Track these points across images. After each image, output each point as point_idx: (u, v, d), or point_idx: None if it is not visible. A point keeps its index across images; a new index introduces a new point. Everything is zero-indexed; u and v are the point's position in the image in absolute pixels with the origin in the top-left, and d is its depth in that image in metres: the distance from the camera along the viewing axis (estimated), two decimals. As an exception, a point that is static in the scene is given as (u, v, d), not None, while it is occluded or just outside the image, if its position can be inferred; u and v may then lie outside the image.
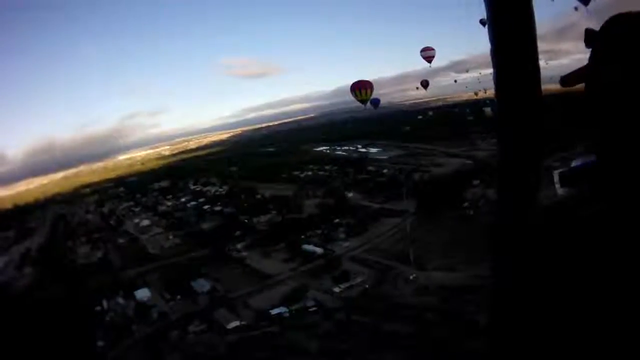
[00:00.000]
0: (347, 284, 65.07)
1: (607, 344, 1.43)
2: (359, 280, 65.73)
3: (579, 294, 1.58)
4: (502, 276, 2.11)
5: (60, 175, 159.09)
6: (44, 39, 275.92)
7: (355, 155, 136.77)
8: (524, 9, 2.29)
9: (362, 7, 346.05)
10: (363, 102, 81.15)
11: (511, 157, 2.48)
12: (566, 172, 2.30)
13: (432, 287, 58.42)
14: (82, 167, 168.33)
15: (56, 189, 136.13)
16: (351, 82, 77.86)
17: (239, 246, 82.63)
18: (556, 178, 2.33)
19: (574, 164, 2.32)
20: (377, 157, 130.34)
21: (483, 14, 2.51)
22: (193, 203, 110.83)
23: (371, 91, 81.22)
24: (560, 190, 2.29)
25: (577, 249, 1.60)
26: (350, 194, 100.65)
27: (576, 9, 63.86)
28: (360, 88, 79.84)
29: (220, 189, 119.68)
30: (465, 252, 64.66)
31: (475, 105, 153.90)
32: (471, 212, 79.11)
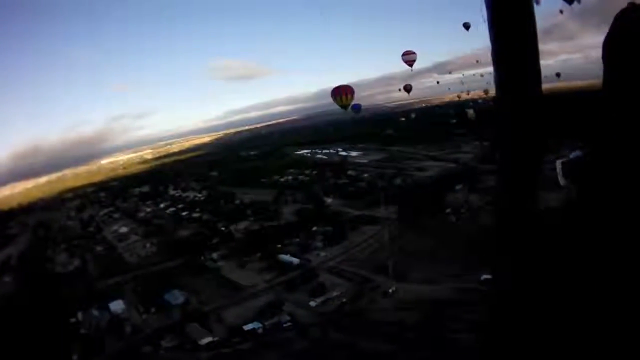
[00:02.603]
0: (323, 298, 62.51)
1: (606, 343, 1.49)
2: (335, 293, 63.06)
3: (578, 294, 1.66)
4: (502, 277, 2.20)
5: (44, 179, 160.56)
6: (29, 41, 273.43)
7: (336, 158, 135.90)
8: (524, 10, 2.29)
9: (346, 9, 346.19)
10: (344, 107, 79.85)
11: (511, 156, 2.41)
12: (569, 162, 2.42)
13: (412, 302, 55.89)
14: (66, 171, 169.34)
15: (39, 194, 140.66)
16: (334, 85, 76.61)
17: (214, 255, 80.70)
18: (559, 168, 2.47)
19: (573, 155, 2.42)
20: (358, 160, 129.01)
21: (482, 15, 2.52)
22: (172, 209, 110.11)
23: (352, 96, 79.92)
24: (562, 180, 2.44)
25: (576, 250, 1.71)
26: (329, 200, 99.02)
27: (561, 11, 63.61)
28: (341, 93, 78.41)
29: (200, 195, 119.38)
30: (447, 262, 62.76)
31: (458, 107, 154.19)
32: (453, 219, 77.01)
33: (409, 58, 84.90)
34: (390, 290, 60.50)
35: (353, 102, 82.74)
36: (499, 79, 2.38)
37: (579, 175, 2.09)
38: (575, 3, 58.44)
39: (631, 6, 1.80)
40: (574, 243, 1.66)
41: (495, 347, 2.02)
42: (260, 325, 58.01)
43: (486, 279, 53.77)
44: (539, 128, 2.30)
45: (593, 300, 1.57)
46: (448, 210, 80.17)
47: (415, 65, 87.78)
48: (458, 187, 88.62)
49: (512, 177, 2.42)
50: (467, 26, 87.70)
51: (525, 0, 2.34)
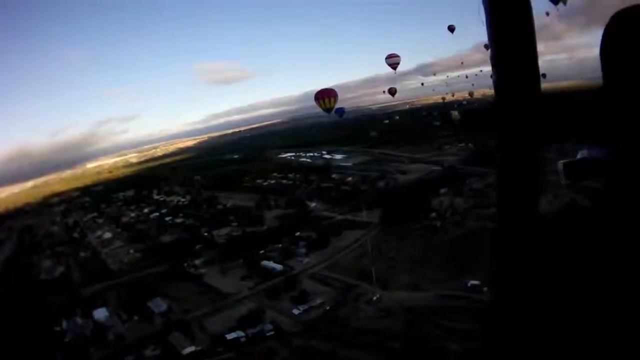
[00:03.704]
0: (306, 306, 61.78)
1: (606, 345, 1.44)
2: (318, 301, 62.27)
3: (578, 297, 1.63)
4: (501, 279, 2.11)
5: (30, 183, 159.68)
6: (11, 43, 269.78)
7: (319, 162, 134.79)
8: (523, 11, 2.35)
9: (330, 11, 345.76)
10: (327, 110, 79.50)
11: (512, 158, 2.47)
12: (571, 163, 2.13)
13: (396, 309, 55.17)
14: (52, 176, 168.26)
15: (26, 199, 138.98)
16: (319, 87, 76.46)
17: (197, 262, 79.81)
18: (560, 168, 2.14)
19: (580, 155, 2.13)
20: (342, 163, 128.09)
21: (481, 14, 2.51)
22: (155, 214, 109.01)
23: (335, 100, 79.65)
24: (564, 181, 2.13)
25: (577, 252, 1.66)
26: (313, 204, 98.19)
27: (547, 14, 63.60)
28: (324, 97, 78.16)
29: (183, 199, 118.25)
30: (432, 268, 62.28)
31: (442, 109, 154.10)
32: (438, 224, 76.15)
33: (392, 61, 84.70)
34: (374, 298, 59.76)
35: (336, 106, 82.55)
36: (498, 81, 2.40)
37: (583, 176, 1.88)
38: (561, 4, 58.48)
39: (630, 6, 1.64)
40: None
41: (495, 348, 1.91)
42: (243, 334, 57.27)
43: (473, 285, 53.33)
44: (539, 129, 2.34)
45: (595, 302, 1.45)
46: (433, 215, 79.13)
47: (400, 67, 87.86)
48: (443, 190, 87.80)
49: (513, 179, 2.45)
50: (452, 29, 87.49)
51: (524, 2, 2.33)
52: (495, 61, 2.44)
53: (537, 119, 2.35)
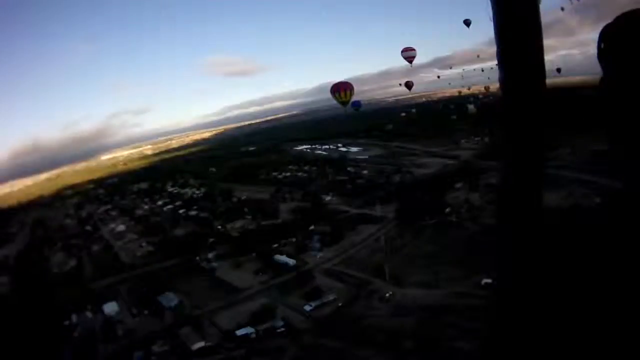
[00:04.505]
0: (318, 302, 60.92)
1: (608, 345, 1.50)
2: (331, 297, 61.57)
3: (581, 296, 1.67)
4: (505, 277, 2.13)
5: (44, 176, 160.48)
6: (26, 40, 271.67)
7: (335, 155, 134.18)
8: (530, 8, 2.27)
9: (345, 4, 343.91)
10: (343, 104, 79.14)
11: (516, 155, 2.36)
12: None
13: (409, 307, 54.37)
14: (65, 168, 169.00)
15: (39, 191, 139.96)
16: (334, 79, 76.35)
17: (210, 256, 79.38)
18: None
19: None
20: (358, 156, 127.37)
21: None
22: (169, 207, 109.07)
23: (351, 93, 79.34)
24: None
25: (581, 252, 1.70)
26: (328, 198, 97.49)
27: (562, 9, 62.67)
28: (340, 90, 77.94)
29: (198, 192, 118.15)
30: (447, 265, 61.27)
31: (459, 103, 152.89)
32: (454, 219, 75.01)
33: (408, 54, 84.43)
34: (387, 295, 58.99)
35: (353, 99, 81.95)
36: (504, 77, 2.34)
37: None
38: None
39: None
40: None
41: (498, 352, 1.94)
42: (253, 330, 56.82)
43: (487, 283, 52.46)
44: (543, 126, 2.33)
45: (598, 303, 1.48)
46: (448, 210, 78.10)
47: (416, 60, 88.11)
48: (458, 185, 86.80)
49: (517, 176, 2.41)
50: (467, 23, 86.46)
51: None
52: (501, 58, 2.31)
53: (542, 117, 2.24)
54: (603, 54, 1.73)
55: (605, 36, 1.70)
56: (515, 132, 2.31)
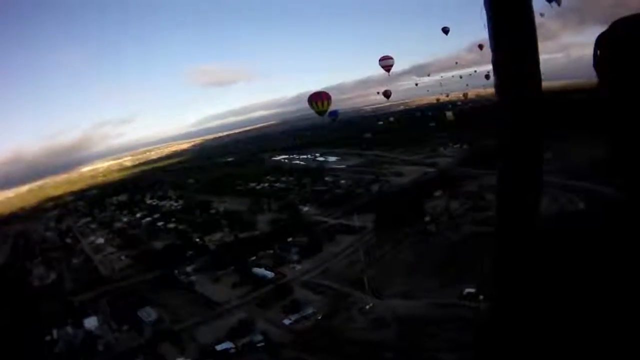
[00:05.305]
0: (297, 315, 60.41)
1: (607, 347, 1.46)
2: (310, 311, 61.00)
3: (580, 299, 1.68)
4: (503, 282, 2.15)
5: (26, 188, 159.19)
6: (7, 49, 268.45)
7: (313, 164, 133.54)
8: (524, 15, 2.39)
9: (324, 12, 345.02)
10: (321, 113, 78.88)
11: (513, 161, 2.52)
12: None
13: (389, 319, 53.84)
14: (47, 180, 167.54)
15: (21, 203, 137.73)
16: (313, 88, 76.53)
17: (188, 269, 78.74)
18: None
19: None
20: (336, 166, 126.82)
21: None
22: (148, 219, 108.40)
23: (329, 103, 79.28)
24: None
25: (578, 255, 1.65)
26: (306, 208, 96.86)
27: (542, 14, 63.11)
28: (318, 99, 77.73)
29: (176, 204, 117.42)
30: (426, 275, 60.90)
31: (437, 110, 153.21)
32: (433, 228, 74.63)
33: (386, 63, 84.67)
34: (367, 307, 58.51)
35: (330, 109, 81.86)
36: (500, 84, 2.45)
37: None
38: (555, 4, 57.95)
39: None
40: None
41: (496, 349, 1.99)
42: (232, 345, 56.27)
43: (469, 293, 52.18)
44: (540, 130, 2.37)
45: (597, 305, 1.52)
46: (427, 219, 77.70)
47: (394, 68, 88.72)
48: (437, 193, 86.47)
49: (514, 182, 2.48)
50: (446, 31, 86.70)
51: (526, 5, 2.38)
52: (496, 64, 2.44)
53: (538, 122, 2.35)
54: (599, 60, 1.72)
55: (601, 43, 1.70)
56: (512, 137, 2.39)
